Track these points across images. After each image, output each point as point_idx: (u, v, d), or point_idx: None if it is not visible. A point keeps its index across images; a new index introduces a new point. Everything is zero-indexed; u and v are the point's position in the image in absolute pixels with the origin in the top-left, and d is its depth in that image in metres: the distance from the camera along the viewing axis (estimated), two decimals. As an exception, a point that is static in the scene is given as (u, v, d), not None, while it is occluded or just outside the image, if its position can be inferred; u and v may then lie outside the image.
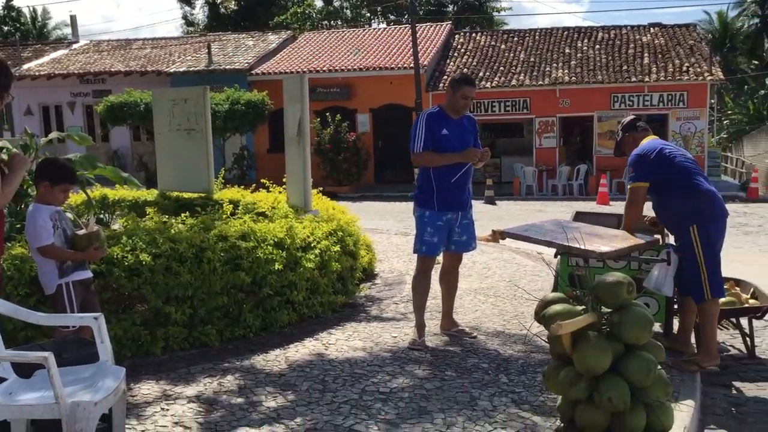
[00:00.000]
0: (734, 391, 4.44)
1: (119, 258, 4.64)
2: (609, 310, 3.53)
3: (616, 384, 3.35)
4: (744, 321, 5.16)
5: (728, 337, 5.47)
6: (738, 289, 5.38)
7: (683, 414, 3.69)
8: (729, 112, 43.31)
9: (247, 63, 24.59)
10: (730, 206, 9.38)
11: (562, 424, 3.53)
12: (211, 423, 3.55)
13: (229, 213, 6.06)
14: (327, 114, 22.32)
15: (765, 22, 48.77)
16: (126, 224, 5.43)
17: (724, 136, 42.70)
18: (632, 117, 5.22)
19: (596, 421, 3.39)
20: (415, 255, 5.03)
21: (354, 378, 4.20)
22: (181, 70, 24.62)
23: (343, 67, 23.94)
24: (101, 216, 7.58)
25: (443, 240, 4.91)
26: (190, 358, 4.62)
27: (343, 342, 4.97)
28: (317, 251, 5.67)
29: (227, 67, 24.49)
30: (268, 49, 26.21)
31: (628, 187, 4.80)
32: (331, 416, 3.62)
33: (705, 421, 3.94)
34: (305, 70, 23.55)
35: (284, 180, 7.55)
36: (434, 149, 4.82)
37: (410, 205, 5.09)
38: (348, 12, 46.11)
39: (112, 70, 26.11)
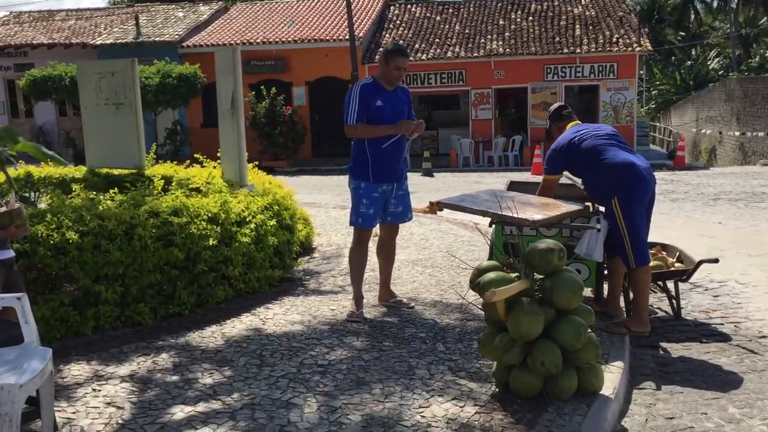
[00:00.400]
0: (661, 352, 4.60)
1: (44, 237, 4.48)
2: (541, 276, 3.61)
3: (549, 348, 3.44)
4: (670, 284, 5.35)
5: (655, 300, 5.66)
6: (665, 253, 5.57)
7: (613, 375, 3.81)
8: (657, 82, 44.53)
9: (177, 35, 23.92)
10: (658, 174, 9.66)
11: (497, 389, 3.60)
12: (144, 402, 3.48)
13: (160, 189, 5.91)
14: (262, 87, 21.96)
15: (691, -6, 50.11)
16: (51, 202, 5.23)
17: (653, 106, 43.93)
18: (558, 105, 5.36)
19: (530, 384, 3.47)
20: (352, 227, 5.02)
21: (292, 352, 4.18)
22: (108, 42, 23.79)
23: (277, 39, 23.56)
24: (26, 194, 7.30)
25: (379, 212, 4.91)
26: (123, 338, 4.51)
27: (280, 316, 4.94)
28: (253, 226, 5.60)
29: (157, 39, 23.78)
30: (200, 20, 25.54)
31: (542, 177, 5.07)
32: (269, 390, 3.60)
33: (634, 381, 4.07)
34: (238, 42, 23.08)
35: (219, 155, 7.40)
36: (368, 121, 4.80)
37: (348, 178, 5.06)
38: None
39: (35, 42, 25.03)
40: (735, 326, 5.06)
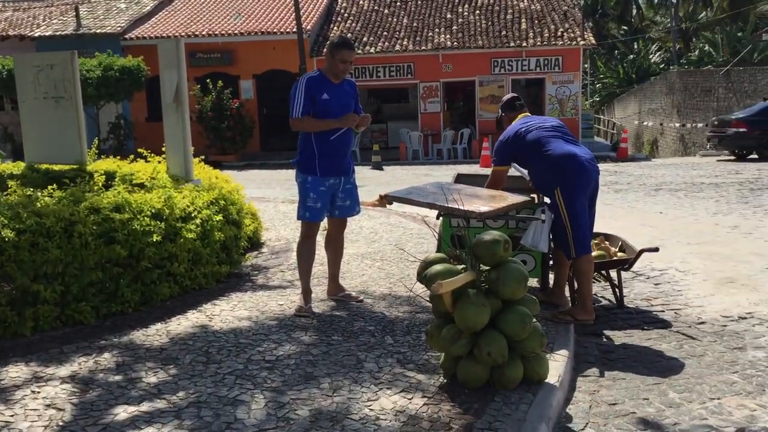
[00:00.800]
0: (605, 340, 4.70)
1: (-21, 235, 4.32)
2: (487, 267, 3.64)
3: (495, 338, 3.47)
4: (613, 273, 5.47)
5: (599, 289, 5.78)
6: (607, 243, 5.68)
7: (558, 363, 3.87)
8: (601, 76, 45.43)
9: (119, 27, 23.39)
10: (602, 165, 9.84)
11: (445, 380, 3.63)
12: (86, 403, 3.39)
13: (101, 184, 5.76)
14: (208, 80, 21.66)
15: (633, -11, 51.21)
16: (-15, 199, 5.05)
17: (597, 99, 44.79)
18: (511, 96, 5.43)
19: (477, 375, 3.51)
20: (300, 222, 4.98)
21: (239, 348, 4.13)
22: (47, 34, 23.11)
23: (223, 32, 23.25)
24: (-40, 192, 7.03)
25: (327, 205, 4.88)
26: (64, 338, 4.39)
27: (227, 312, 4.87)
28: (198, 221, 5.51)
29: (98, 31, 23.22)
30: (142, 12, 25.01)
31: (492, 169, 5.14)
32: (216, 388, 3.55)
33: (578, 369, 4.15)
34: (183, 34, 22.69)
35: (163, 149, 7.26)
36: (315, 114, 4.76)
37: (295, 172, 5.01)
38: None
39: (-30, 34, 24.16)
40: (675, 313, 5.20)
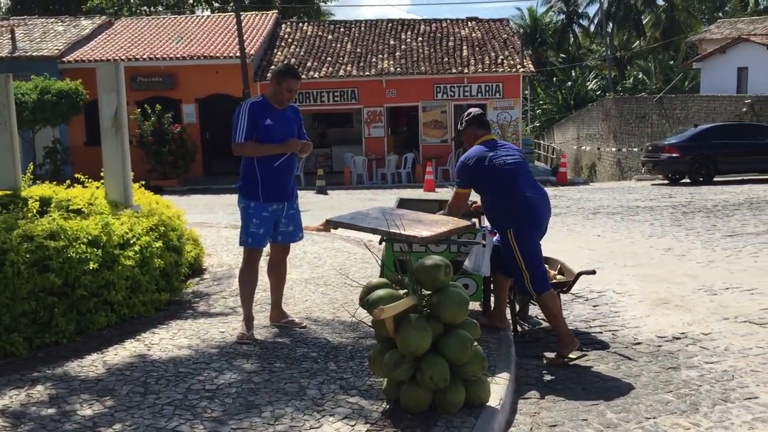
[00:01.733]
0: (545, 361, 4.77)
1: None
2: (429, 292, 3.67)
3: (437, 363, 3.49)
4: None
5: (539, 312, 5.86)
6: (547, 266, 5.78)
7: (499, 386, 3.91)
8: (541, 102, 46.57)
9: (57, 50, 22.92)
10: (541, 190, 9.95)
11: (387, 406, 3.62)
12: (17, 439, 3.27)
13: (36, 211, 5.60)
14: (146, 105, 21.35)
15: (570, 18, 52.89)
16: None
17: (537, 124, 45.85)
18: (479, 111, 5.23)
19: (419, 399, 3.52)
20: (242, 247, 4.94)
21: (179, 377, 4.05)
22: (-19, 56, 22.47)
23: (164, 56, 23.00)
24: None
25: (269, 231, 4.86)
26: (-6, 371, 4.23)
27: (167, 341, 4.78)
28: (137, 248, 5.40)
29: (34, 53, 22.70)
30: (81, 35, 24.58)
31: (453, 190, 5.00)
32: (153, 419, 3.47)
33: (519, 392, 4.20)
34: (123, 57, 22.37)
35: (102, 174, 7.11)
36: (258, 139, 4.75)
37: (238, 197, 4.97)
38: (170, -3, 44.19)
39: None
40: (613, 334, 5.33)
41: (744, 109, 27.25)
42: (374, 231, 4.74)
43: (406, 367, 3.51)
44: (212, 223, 11.69)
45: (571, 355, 4.72)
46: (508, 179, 4.75)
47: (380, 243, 5.16)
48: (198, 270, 7.23)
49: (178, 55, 22.97)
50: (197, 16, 29.27)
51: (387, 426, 3.41)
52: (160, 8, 41.31)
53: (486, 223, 5.36)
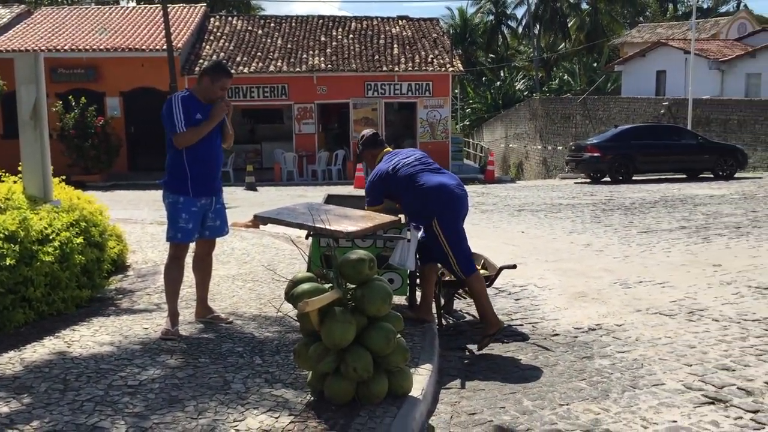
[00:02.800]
0: (467, 353, 4.92)
1: None
2: (353, 286, 3.74)
3: (361, 355, 3.56)
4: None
5: (464, 306, 6.03)
6: (471, 260, 5.94)
7: (421, 377, 4.01)
8: (470, 101, 47.31)
9: (-28, 38, 21.95)
10: (470, 187, 10.20)
11: (312, 398, 3.68)
12: (-72, 439, 3.18)
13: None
14: (71, 97, 20.70)
15: (499, 19, 53.90)
16: None
17: (467, 123, 46.56)
18: (371, 132, 5.59)
19: (343, 390, 3.58)
20: (168, 243, 4.89)
21: (100, 374, 3.99)
22: None
23: (87, 47, 22.33)
24: None
25: (198, 226, 4.84)
26: None
27: (88, 338, 4.69)
28: (57, 244, 5.27)
29: (-52, 42, 21.68)
30: (-1, 23, 23.61)
31: (366, 208, 5.23)
32: (73, 415, 3.42)
33: (441, 382, 4.32)
34: (44, 48, 21.61)
35: (20, 168, 6.89)
36: None
37: (163, 193, 4.92)
38: (93, -13, 42.86)
39: None
40: (533, 326, 5.52)
41: (662, 111, 28.40)
42: (301, 226, 4.78)
43: (330, 360, 3.56)
44: (137, 219, 11.45)
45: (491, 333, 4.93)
46: (413, 177, 5.01)
47: (307, 238, 5.20)
48: (122, 267, 7.10)
49: (101, 47, 22.35)
50: (122, 7, 28.51)
51: (311, 417, 3.46)
52: (82, -2, 40.01)
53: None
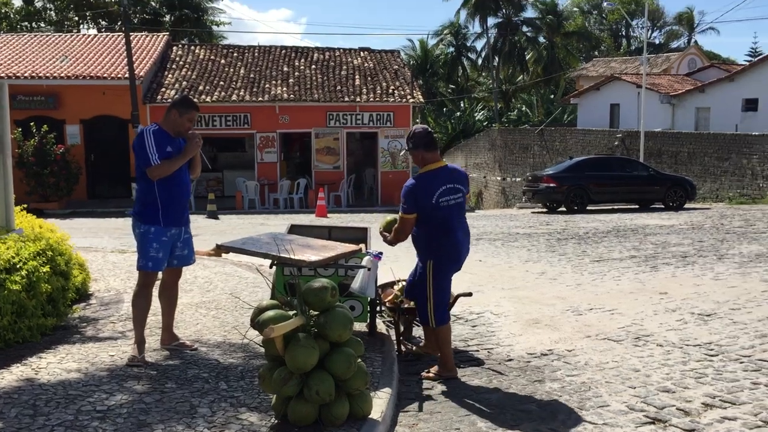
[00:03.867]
0: (422, 376, 5.12)
1: None
2: (316, 312, 3.93)
3: (323, 378, 3.75)
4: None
5: (421, 333, 6.23)
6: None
7: (381, 400, 4.21)
8: (431, 130, 47.94)
9: (-71, 64, 21.69)
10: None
11: (276, 421, 3.84)
12: None
13: None
14: (31, 124, 20.55)
15: (459, 51, 54.98)
16: None
17: (428, 152, 47.02)
18: (425, 130, 5.15)
19: (306, 413, 3.76)
20: (136, 271, 5.02)
21: (68, 399, 4.10)
22: None
23: (48, 74, 22.23)
24: None
25: (167, 255, 4.99)
26: None
27: (55, 365, 4.78)
28: (24, 273, 5.36)
29: None
30: (-43, 49, 23.38)
31: (399, 215, 5.07)
32: (44, 440, 3.53)
33: (401, 406, 4.52)
34: (3, 75, 21.46)
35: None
36: None
37: (128, 221, 5.07)
38: (53, 14, 42.64)
39: None
40: (488, 352, 5.76)
41: (616, 143, 29.29)
42: (265, 255, 4.96)
43: (294, 383, 3.74)
44: (97, 247, 11.45)
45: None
46: (445, 218, 4.93)
47: (270, 267, 5.38)
48: (84, 295, 7.16)
49: (62, 74, 22.26)
50: (84, 35, 28.43)
51: (275, 439, 3.62)
52: (42, 25, 39.75)
53: (371, 248, 5.69)
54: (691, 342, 5.80)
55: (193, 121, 5.06)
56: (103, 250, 11.06)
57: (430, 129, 5.24)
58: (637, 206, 20.05)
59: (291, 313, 3.95)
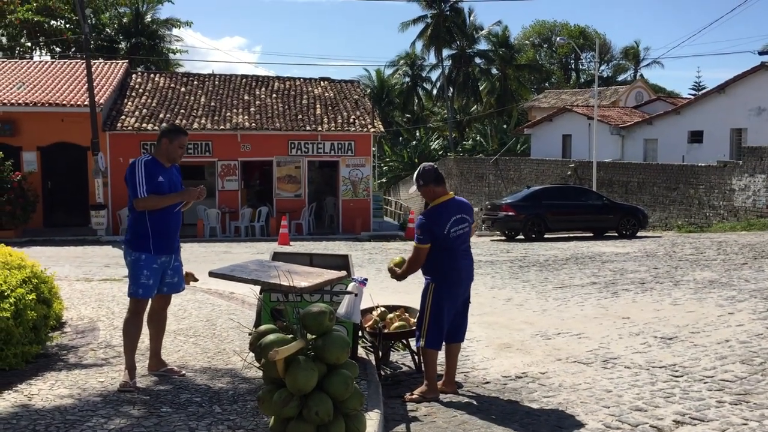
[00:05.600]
0: (406, 397, 5.31)
1: None
2: (314, 336, 4.10)
3: (322, 399, 3.92)
4: (412, 341, 6.16)
5: (400, 357, 6.44)
6: (407, 314, 6.39)
7: (372, 421, 4.39)
8: (388, 159, 48.52)
9: None
10: (391, 244, 10.58)
11: (275, 442, 3.98)
12: None
13: None
14: (-13, 151, 20.22)
15: (415, 81, 55.84)
16: None
17: (385, 180, 47.62)
18: (432, 168, 5.51)
19: (305, 433, 3.90)
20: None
21: (68, 424, 4.17)
22: None
23: (5, 101, 21.92)
24: None
25: (158, 282, 5.10)
26: None
27: (46, 391, 4.83)
28: (12, 300, 5.40)
29: None
30: None
31: (413, 245, 5.37)
32: (51, 463, 3.61)
33: (388, 426, 4.70)
34: (-41, 101, 21.09)
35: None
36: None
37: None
38: (4, 39, 41.93)
39: None
40: (465, 375, 5.98)
41: (569, 173, 30.12)
42: (255, 282, 5.12)
43: (294, 405, 3.89)
44: (61, 276, 11.34)
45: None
46: (453, 248, 5.30)
47: (260, 293, 5.52)
48: (59, 323, 7.15)
49: (19, 101, 21.98)
50: (41, 62, 28.09)
51: (277, 459, 3.76)
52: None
53: (356, 274, 5.88)
54: (656, 364, 6.12)
55: (184, 147, 5.21)
56: (67, 278, 10.97)
57: (435, 165, 5.62)
58: (591, 234, 20.65)
59: (289, 336, 4.11)
